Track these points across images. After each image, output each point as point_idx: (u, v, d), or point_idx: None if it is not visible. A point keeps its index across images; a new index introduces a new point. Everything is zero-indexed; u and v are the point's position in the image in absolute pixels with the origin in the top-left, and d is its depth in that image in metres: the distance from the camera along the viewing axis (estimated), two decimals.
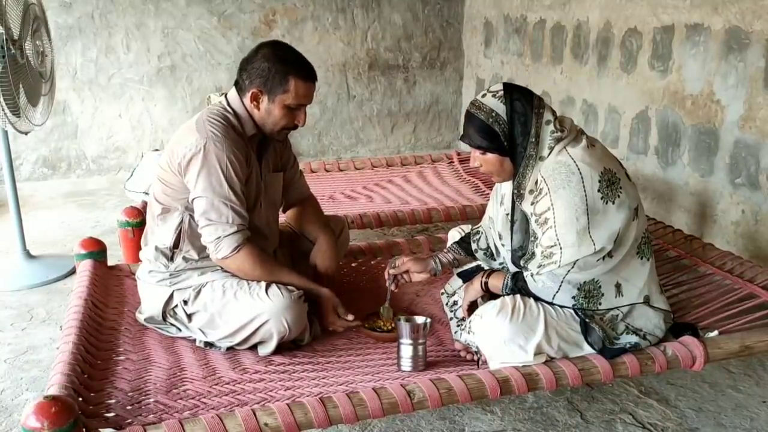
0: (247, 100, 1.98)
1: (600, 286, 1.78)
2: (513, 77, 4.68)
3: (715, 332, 1.96)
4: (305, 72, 1.97)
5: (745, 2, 2.84)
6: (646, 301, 1.84)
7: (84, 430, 1.50)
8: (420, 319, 1.91)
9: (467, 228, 2.29)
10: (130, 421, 1.59)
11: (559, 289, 1.76)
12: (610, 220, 1.73)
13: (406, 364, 1.86)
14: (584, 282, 1.76)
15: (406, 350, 1.86)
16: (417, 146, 5.59)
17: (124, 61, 4.79)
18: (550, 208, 1.74)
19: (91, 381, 1.75)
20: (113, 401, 1.68)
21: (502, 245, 2.00)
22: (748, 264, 2.36)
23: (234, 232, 1.92)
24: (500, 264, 2.08)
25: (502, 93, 1.79)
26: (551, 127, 1.77)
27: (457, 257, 2.17)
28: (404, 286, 2.43)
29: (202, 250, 2.01)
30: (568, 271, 1.74)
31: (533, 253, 1.83)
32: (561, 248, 1.73)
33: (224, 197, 1.90)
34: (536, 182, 1.78)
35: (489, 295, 1.93)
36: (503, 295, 1.85)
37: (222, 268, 2.04)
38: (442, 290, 2.26)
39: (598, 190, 1.72)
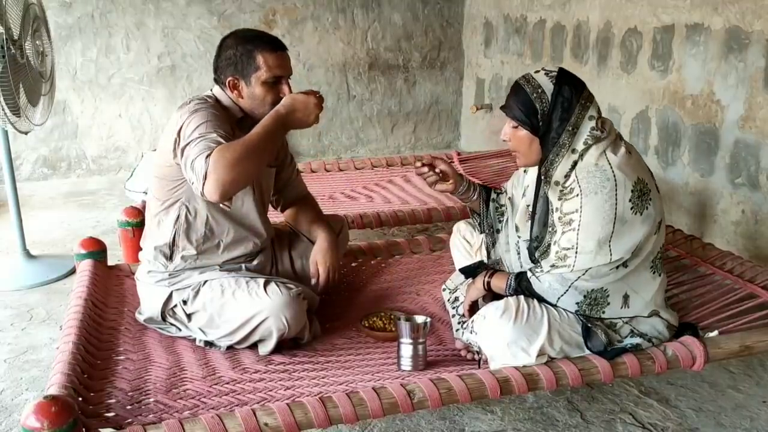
0: (228, 91, 1.98)
1: (608, 295, 1.77)
2: (513, 77, 4.68)
3: (715, 332, 1.95)
4: (269, 43, 1.96)
5: (745, 2, 2.84)
6: (651, 316, 1.84)
7: (84, 430, 1.50)
8: (420, 319, 1.91)
9: (473, 220, 2.29)
10: (130, 421, 1.59)
11: (565, 292, 1.75)
12: (633, 231, 1.72)
13: (406, 363, 1.86)
14: (592, 290, 1.75)
15: (406, 350, 1.86)
16: (417, 146, 5.59)
17: (124, 61, 4.79)
18: (577, 210, 1.72)
19: (91, 381, 1.75)
20: (113, 401, 1.68)
21: (518, 237, 1.98)
22: (748, 264, 2.37)
23: (205, 150, 1.73)
24: (493, 262, 2.08)
25: (555, 74, 1.77)
26: (592, 123, 1.75)
27: (476, 192, 2.13)
28: (405, 282, 2.44)
29: (199, 245, 2.02)
30: (579, 277, 1.73)
31: (547, 249, 1.82)
32: (577, 253, 1.72)
33: (200, 135, 1.78)
34: (567, 177, 1.76)
35: (491, 294, 1.93)
36: (506, 296, 1.84)
37: (220, 267, 2.04)
38: (444, 286, 2.26)
39: (629, 200, 1.70)
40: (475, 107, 5.17)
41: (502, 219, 2.11)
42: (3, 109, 2.77)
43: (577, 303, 1.76)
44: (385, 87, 5.40)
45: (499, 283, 1.89)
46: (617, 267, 1.73)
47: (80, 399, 1.63)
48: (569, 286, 1.74)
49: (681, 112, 3.25)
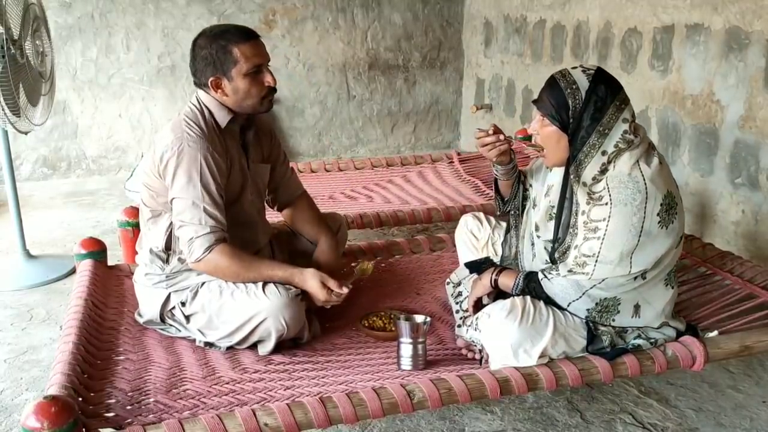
0: (212, 92, 1.96)
1: (619, 304, 1.76)
2: (513, 77, 4.69)
3: (715, 332, 1.95)
4: (241, 34, 1.94)
5: (745, 2, 2.84)
6: (661, 327, 1.84)
7: (84, 430, 1.50)
8: (419, 318, 1.91)
9: (481, 215, 2.29)
10: (130, 421, 1.59)
11: (578, 299, 1.74)
12: (656, 245, 1.71)
13: (406, 363, 1.86)
14: (605, 298, 1.74)
15: (406, 349, 1.86)
16: (417, 146, 5.59)
17: (124, 61, 4.79)
18: (605, 219, 1.70)
19: (91, 381, 1.75)
20: (113, 401, 1.68)
21: (538, 236, 1.96)
22: (748, 264, 2.36)
23: (207, 233, 1.88)
24: (505, 258, 2.08)
25: (592, 72, 1.73)
26: (625, 126, 1.72)
27: (515, 171, 2.06)
28: (405, 282, 2.43)
29: None
30: (594, 285, 1.72)
31: (566, 251, 1.80)
32: (597, 262, 1.71)
33: (198, 198, 1.88)
34: (596, 181, 1.73)
35: (496, 291, 1.91)
36: (513, 296, 1.82)
37: None
38: (448, 279, 2.24)
39: (657, 214, 1.68)
40: (475, 107, 5.17)
41: (526, 203, 2.08)
42: (3, 109, 2.77)
43: (588, 309, 1.75)
44: (385, 87, 5.40)
45: (506, 281, 1.87)
46: (634, 278, 1.72)
47: (80, 399, 1.63)
48: (583, 293, 1.73)
49: (681, 112, 3.25)
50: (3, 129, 3.03)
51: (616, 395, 2.22)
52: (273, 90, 1.99)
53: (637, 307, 1.78)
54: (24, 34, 2.89)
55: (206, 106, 1.98)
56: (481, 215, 2.31)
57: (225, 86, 1.95)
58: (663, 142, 3.39)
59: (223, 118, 1.98)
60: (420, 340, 1.85)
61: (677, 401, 2.19)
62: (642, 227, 1.67)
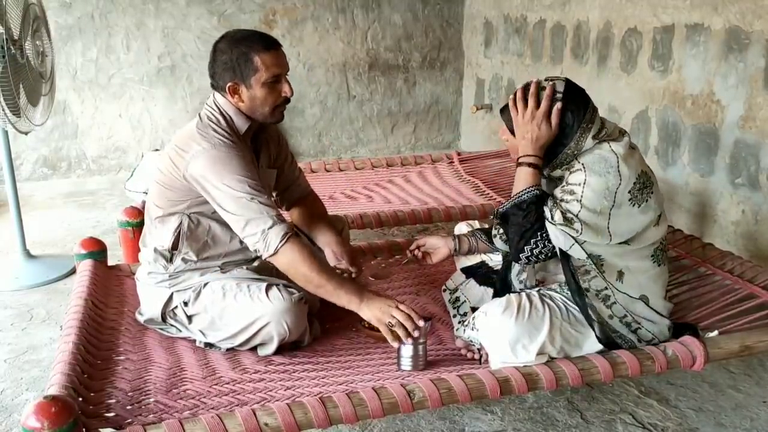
0: (229, 97, 1.95)
1: (603, 263, 1.78)
2: (513, 77, 4.68)
3: (715, 332, 1.96)
4: (264, 43, 1.93)
5: (745, 2, 2.84)
6: (644, 301, 1.84)
7: (84, 430, 1.50)
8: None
9: (475, 223, 2.29)
10: (130, 421, 1.59)
11: (570, 248, 1.75)
12: (631, 220, 1.73)
13: (406, 363, 1.86)
14: (591, 254, 1.76)
15: (406, 350, 1.86)
16: (417, 146, 5.59)
17: (124, 61, 4.79)
18: (581, 184, 1.72)
19: (91, 381, 1.75)
20: (113, 401, 1.69)
21: None
22: (748, 264, 2.37)
23: (275, 223, 1.83)
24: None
25: (560, 96, 1.76)
26: (594, 141, 1.76)
27: (479, 241, 2.14)
28: (405, 282, 2.44)
29: (201, 251, 2.01)
30: (585, 242, 1.74)
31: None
32: (582, 224, 1.72)
33: (250, 195, 1.84)
34: (571, 165, 1.78)
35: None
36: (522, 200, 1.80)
37: (221, 268, 2.03)
38: (444, 286, 2.25)
39: (629, 191, 1.71)
40: (475, 107, 5.17)
41: None
42: (3, 109, 2.78)
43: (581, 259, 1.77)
44: (385, 87, 5.40)
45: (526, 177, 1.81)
46: (618, 244, 1.75)
47: (80, 399, 1.63)
48: (573, 244, 1.74)
49: (681, 112, 3.25)
50: (3, 129, 3.03)
51: (616, 395, 2.22)
52: (287, 100, 1.98)
53: (620, 274, 1.80)
54: (24, 34, 2.89)
55: (226, 111, 1.96)
56: (476, 223, 2.33)
57: (242, 92, 1.93)
58: (663, 142, 3.39)
59: (241, 124, 1.97)
60: (420, 340, 1.85)
61: (677, 401, 2.20)
62: (614, 198, 1.70)
